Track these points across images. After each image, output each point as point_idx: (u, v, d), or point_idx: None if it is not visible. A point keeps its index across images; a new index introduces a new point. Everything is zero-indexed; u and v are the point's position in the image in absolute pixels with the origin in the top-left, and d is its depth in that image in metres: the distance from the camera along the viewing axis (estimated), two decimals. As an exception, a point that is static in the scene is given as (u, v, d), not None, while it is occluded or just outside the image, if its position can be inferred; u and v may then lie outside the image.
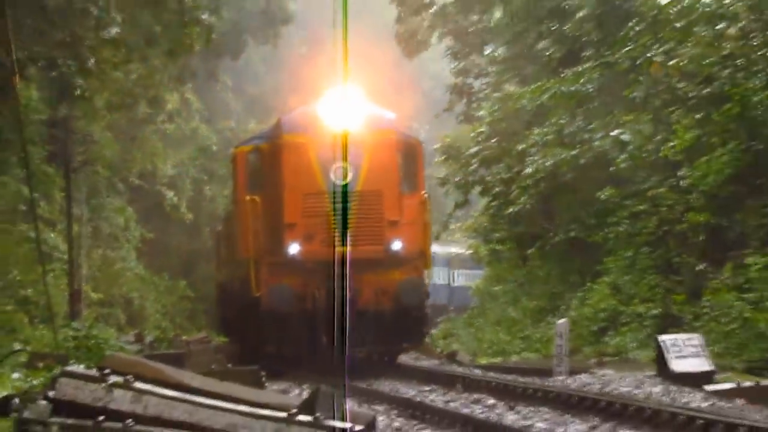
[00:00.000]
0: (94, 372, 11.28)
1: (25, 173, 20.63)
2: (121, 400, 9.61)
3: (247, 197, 17.80)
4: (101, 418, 9.02)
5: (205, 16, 24.61)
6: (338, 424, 9.77)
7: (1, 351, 18.11)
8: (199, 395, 10.94)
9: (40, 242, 21.57)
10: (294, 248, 16.94)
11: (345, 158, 16.99)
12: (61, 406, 9.50)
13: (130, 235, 36.19)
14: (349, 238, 16.74)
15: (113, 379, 10.39)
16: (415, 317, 18.05)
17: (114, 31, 18.75)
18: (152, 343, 26.40)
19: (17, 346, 18.42)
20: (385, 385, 17.11)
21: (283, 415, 9.74)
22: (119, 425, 8.87)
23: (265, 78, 47.31)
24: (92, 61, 19.29)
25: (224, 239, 30.77)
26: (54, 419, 9.19)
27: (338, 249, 16.27)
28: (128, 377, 10.71)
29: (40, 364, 15.82)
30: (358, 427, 10.10)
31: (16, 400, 11.03)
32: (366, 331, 16.96)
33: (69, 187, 27.93)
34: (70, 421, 9.15)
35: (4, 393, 12.87)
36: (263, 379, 16.11)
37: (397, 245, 17.72)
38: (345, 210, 17.31)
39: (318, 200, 17.41)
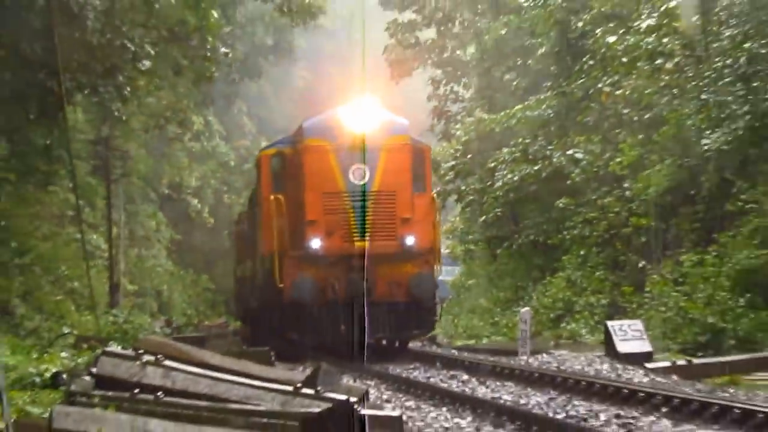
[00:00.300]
0: (130, 352, 11.38)
1: (72, 184, 21.13)
2: (152, 376, 9.76)
3: (271, 196, 17.16)
4: (136, 391, 8.94)
5: (222, 50, 24.92)
6: (337, 396, 9.86)
7: (52, 334, 18.52)
8: (219, 372, 11.10)
9: (85, 242, 21.76)
10: (315, 243, 16.31)
11: (362, 161, 16.67)
12: (101, 381, 9.50)
13: (161, 236, 36.60)
14: (365, 234, 16.60)
15: (146, 358, 10.51)
16: (426, 307, 17.56)
17: (147, 63, 18.73)
18: (179, 328, 27.16)
19: (65, 330, 18.56)
20: (376, 365, 16.80)
21: (290, 388, 9.86)
22: (151, 397, 8.78)
23: (275, 103, 47.92)
24: (129, 89, 19.27)
25: (241, 237, 30.29)
26: (96, 392, 9.08)
27: (356, 244, 16.52)
28: (159, 356, 10.87)
29: (84, 346, 15.98)
30: (353, 399, 10.19)
31: (65, 376, 11.94)
32: (381, 320, 16.56)
33: (109, 196, 28.34)
34: (109, 393, 8.98)
35: (55, 369, 13.02)
36: (273, 358, 15.46)
37: (410, 240, 17.04)
38: (362, 208, 16.72)
39: (337, 199, 16.80)
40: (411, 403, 13.02)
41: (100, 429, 7.74)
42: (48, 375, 12.52)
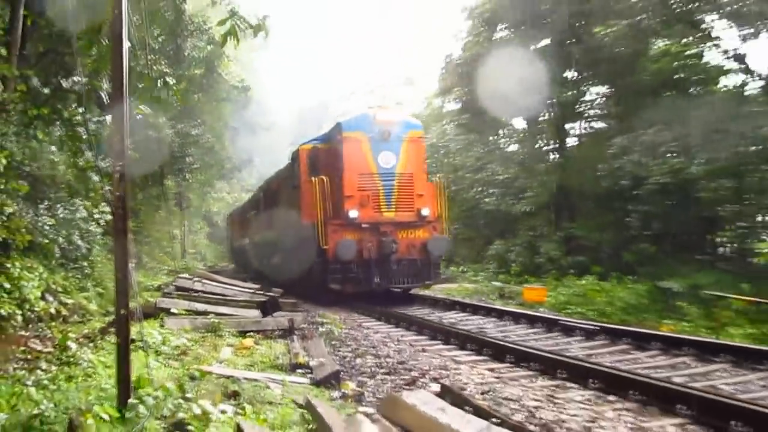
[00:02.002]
0: (189, 276, 19.04)
1: (167, 210, 30.72)
2: (197, 286, 16.13)
3: (315, 178, 17.61)
4: (190, 291, 15.62)
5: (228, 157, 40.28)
6: (272, 293, 16.16)
7: (161, 268, 26.19)
8: (223, 284, 18.61)
9: (172, 234, 32.46)
10: (353, 213, 17.01)
11: (390, 149, 17.93)
12: (178, 288, 15.91)
13: (201, 231, 50.99)
14: (391, 206, 17.78)
15: (195, 278, 18.28)
16: (435, 263, 18.17)
17: (195, 164, 30.88)
18: (210, 267, 36.92)
19: (164, 267, 25.93)
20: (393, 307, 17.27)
21: (253, 290, 17.81)
22: (196, 293, 15.31)
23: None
24: (188, 174, 31.52)
25: (243, 224, 34.09)
26: (175, 292, 15.33)
27: (384, 214, 17.67)
28: (199, 278, 18.51)
29: (171, 273, 23.03)
30: (277, 293, 16.68)
31: (163, 288, 17.79)
32: (402, 273, 17.56)
33: (181, 215, 39.39)
34: (179, 292, 15.24)
35: (158, 283, 19.54)
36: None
37: (425, 211, 17.79)
38: (389, 186, 17.81)
39: (370, 179, 17.58)
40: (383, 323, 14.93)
41: (176, 306, 13.48)
42: (156, 285, 19.03)
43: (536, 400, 6.85)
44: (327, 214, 17.33)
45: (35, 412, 6.00)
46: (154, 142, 18.85)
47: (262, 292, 17.22)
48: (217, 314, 13.45)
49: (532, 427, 5.79)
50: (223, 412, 6.40)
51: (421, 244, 17.78)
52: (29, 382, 7.21)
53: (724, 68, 25.31)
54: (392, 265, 17.48)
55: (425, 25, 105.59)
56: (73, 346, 9.11)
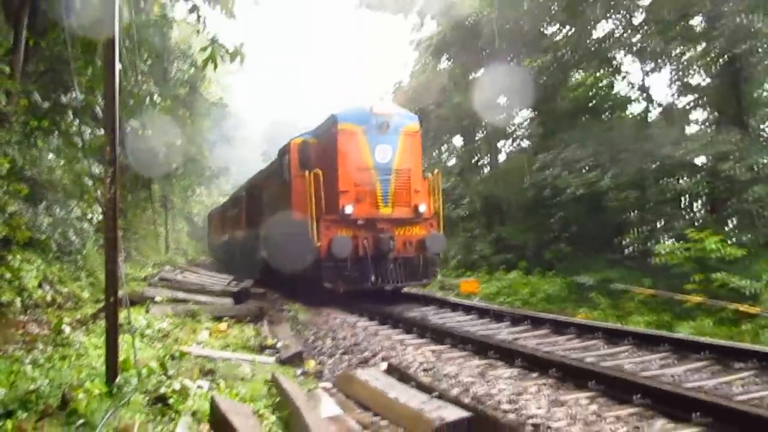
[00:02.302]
0: (172, 268, 19.21)
1: (153, 211, 29.88)
2: (178, 276, 16.39)
3: (308, 172, 14.77)
4: (173, 281, 15.67)
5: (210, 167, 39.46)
6: (244, 285, 17.28)
7: (147, 261, 24.82)
8: (201, 275, 18.75)
9: (157, 232, 31.69)
10: (348, 208, 14.43)
11: (387, 142, 15.10)
12: (162, 278, 16.00)
13: (183, 229, 49.20)
14: (388, 202, 15.07)
15: (177, 270, 18.34)
16: (432, 261, 15.51)
17: (179, 170, 30.03)
18: (190, 261, 35.90)
19: (150, 261, 24.98)
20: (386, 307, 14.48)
21: (227, 281, 17.86)
22: (176, 283, 15.34)
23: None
24: (174, 180, 31.28)
25: (223, 221, 31.55)
26: (159, 282, 15.45)
27: (381, 210, 14.98)
28: (180, 270, 18.63)
29: (156, 266, 22.27)
30: (249, 284, 16.68)
31: (148, 278, 17.37)
32: (398, 271, 14.86)
33: (166, 215, 38.36)
34: (163, 282, 15.36)
35: (145, 274, 18.67)
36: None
37: (422, 208, 15.20)
38: (386, 181, 15.05)
39: (366, 173, 14.83)
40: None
41: (160, 294, 13.39)
42: (142, 276, 18.41)
43: (471, 377, 6.89)
44: (320, 209, 14.59)
45: (31, 387, 5.91)
46: (142, 152, 18.53)
47: (235, 283, 17.16)
48: (196, 302, 13.36)
49: (467, 400, 5.80)
50: (200, 387, 6.36)
51: (418, 242, 15.21)
52: (26, 361, 7.10)
53: (631, 97, 25.93)
54: (389, 263, 14.76)
55: (382, 53, 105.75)
56: (66, 329, 9.01)
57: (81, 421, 5.14)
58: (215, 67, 10.23)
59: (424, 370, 7.40)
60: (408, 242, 15.11)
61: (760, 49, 20.00)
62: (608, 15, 24.12)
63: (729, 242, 15.87)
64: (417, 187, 15.46)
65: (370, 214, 14.81)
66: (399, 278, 14.92)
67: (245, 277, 19.60)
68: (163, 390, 5.93)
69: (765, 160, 18.24)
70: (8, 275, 10.53)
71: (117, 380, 6.03)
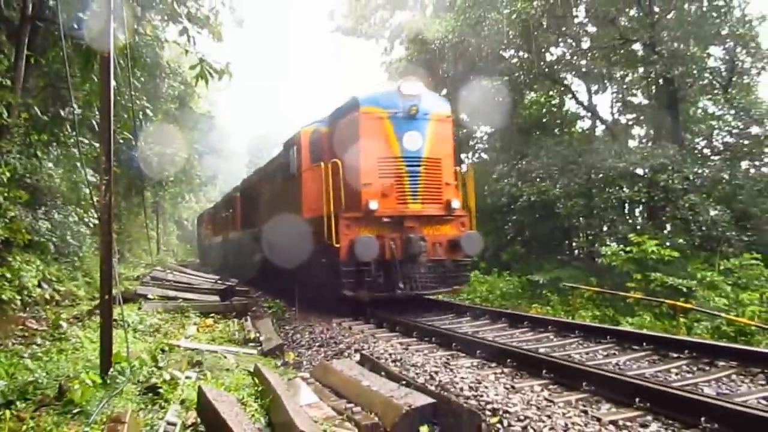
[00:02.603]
0: (162, 268, 18.96)
1: (146, 215, 28.61)
2: (169, 276, 16.04)
3: (325, 162, 11.80)
4: (163, 280, 15.45)
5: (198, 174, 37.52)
6: (229, 282, 17.40)
7: (139, 262, 25.17)
8: (189, 274, 18.54)
9: (149, 235, 30.36)
10: (373, 204, 11.38)
11: (416, 128, 12.02)
12: (153, 278, 15.69)
13: (173, 233, 48.22)
14: (417, 197, 11.95)
15: (167, 270, 18.11)
16: (464, 264, 12.40)
17: (171, 177, 28.86)
18: (179, 262, 34.94)
19: (142, 262, 25.00)
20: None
21: (214, 280, 17.68)
22: (167, 282, 15.09)
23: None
24: (165, 185, 29.67)
25: (217, 223, 28.60)
26: (150, 281, 15.21)
27: (409, 206, 11.87)
28: (170, 270, 18.44)
29: (148, 266, 21.41)
30: (233, 282, 16.42)
31: (141, 278, 17.21)
32: (427, 276, 11.81)
33: (158, 219, 37.87)
34: (154, 281, 15.17)
35: (137, 274, 18.73)
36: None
37: (455, 204, 12.17)
38: (415, 173, 11.91)
39: (392, 164, 11.82)
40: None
41: (152, 292, 13.30)
42: (135, 275, 18.35)
43: (436, 367, 6.90)
44: (339, 206, 11.56)
45: (30, 379, 5.86)
46: (136, 160, 18.30)
47: (221, 282, 17.01)
48: (185, 299, 13.23)
49: (432, 388, 5.80)
50: (188, 377, 6.31)
51: (448, 242, 12.10)
52: (25, 355, 7.02)
53: (579, 114, 26.25)
54: (420, 267, 11.61)
55: (356, 73, 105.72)
56: (64, 325, 8.91)
57: (77, 410, 5.09)
58: (207, 83, 10.16)
59: (394, 360, 7.38)
60: (438, 243, 12.02)
61: (694, 71, 20.41)
62: (559, 41, 24.44)
63: (666, 245, 16.11)
64: (448, 179, 12.39)
65: (397, 211, 11.73)
66: (429, 284, 11.80)
67: (241, 280, 18.34)
68: (153, 380, 5.88)
69: (699, 171, 18.59)
70: (9, 275, 10.39)
71: (111, 372, 5.97)
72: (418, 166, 11.93)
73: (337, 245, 11.14)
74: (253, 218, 18.61)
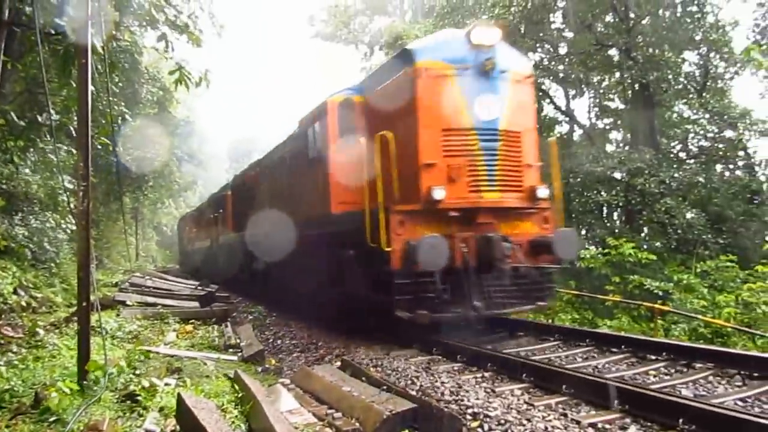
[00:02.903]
0: (141, 275, 18.80)
1: (124, 221, 27.47)
2: (148, 282, 16.09)
3: (378, 134, 8.51)
4: (142, 287, 15.33)
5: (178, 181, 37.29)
6: (209, 288, 17.33)
7: (118, 268, 24.69)
8: (169, 281, 18.40)
9: (128, 241, 29.86)
10: (439, 193, 8.11)
11: (494, 90, 8.58)
12: (132, 284, 15.48)
13: (152, 239, 47.42)
14: (494, 183, 8.51)
15: (146, 276, 17.94)
16: (549, 272, 8.85)
17: (150, 182, 28.95)
18: (159, 268, 34.50)
19: (121, 268, 24.63)
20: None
21: (194, 286, 17.54)
22: (146, 288, 15.00)
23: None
24: (144, 192, 29.65)
25: (199, 223, 26.80)
26: (129, 287, 15.03)
27: (485, 195, 8.43)
28: (150, 276, 18.29)
29: (127, 273, 21.08)
30: (214, 288, 16.29)
31: (119, 284, 16.91)
32: (506, 290, 8.33)
33: (136, 225, 37.55)
34: (133, 287, 15.04)
35: (116, 280, 18.40)
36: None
37: (542, 192, 8.84)
38: (491, 150, 8.49)
39: (462, 138, 8.41)
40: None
41: (131, 299, 13.28)
42: (114, 282, 17.98)
43: (416, 371, 6.89)
44: (390, 196, 8.27)
45: (6, 387, 5.75)
46: (114, 166, 18.08)
47: (201, 288, 16.88)
48: (164, 305, 13.12)
49: (413, 392, 5.80)
50: (167, 384, 6.24)
51: (530, 243, 8.84)
52: (1, 363, 6.86)
53: (558, 119, 26.48)
54: (501, 276, 8.28)
55: (337, 77, 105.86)
56: (41, 332, 8.77)
57: (53, 418, 5.02)
58: (187, 88, 10.11)
59: (374, 366, 7.36)
60: (518, 244, 8.61)
61: (669, 76, 20.70)
62: (537, 46, 24.64)
63: (643, 248, 16.28)
64: (530, 159, 8.97)
65: (469, 202, 8.39)
66: (509, 301, 8.41)
67: (235, 290, 17.20)
68: (132, 388, 5.81)
69: (675, 175, 18.83)
70: (-16, 282, 10.22)
71: (88, 379, 5.87)
72: (496, 140, 8.56)
73: (388, 249, 7.86)
74: (250, 219, 15.74)
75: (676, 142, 23.06)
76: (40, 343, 8.23)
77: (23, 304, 11.40)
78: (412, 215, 8.19)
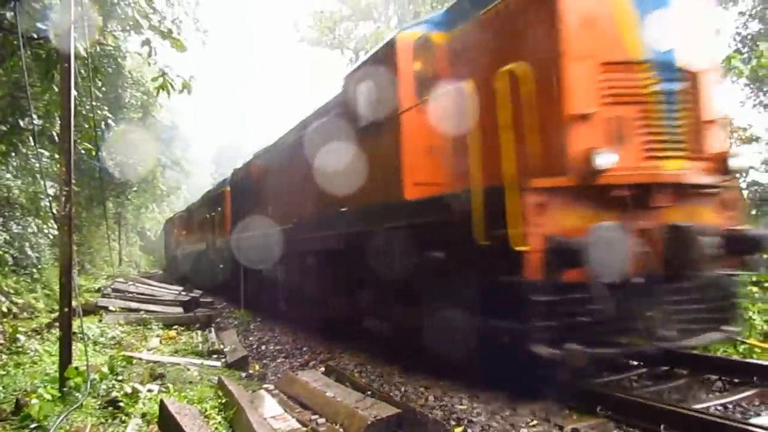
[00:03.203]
0: (124, 280, 18.63)
1: (107, 226, 27.06)
2: (131, 287, 16.21)
3: (503, 69, 5.09)
4: (125, 292, 15.26)
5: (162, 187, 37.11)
6: (193, 294, 17.16)
7: (101, 273, 24.32)
8: (152, 285, 18.23)
9: (111, 246, 29.47)
10: (606, 158, 4.65)
11: (665, 5, 5.13)
12: (114, 290, 15.30)
13: (135, 243, 46.49)
14: (678, 145, 5.19)
15: (130, 282, 17.79)
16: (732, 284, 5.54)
17: (134, 188, 28.79)
18: (142, 273, 33.77)
19: (104, 273, 24.25)
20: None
21: (177, 291, 17.41)
22: (129, 294, 14.86)
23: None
24: (128, 197, 29.77)
25: (188, 224, 25.55)
26: (112, 293, 14.78)
27: (665, 162, 5.14)
28: (133, 281, 18.12)
29: (110, 278, 20.60)
30: (197, 294, 16.00)
31: (102, 289, 16.63)
32: (696, 309, 5.28)
33: (120, 231, 36.52)
34: (116, 293, 15.01)
35: (99, 286, 18.17)
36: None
37: (736, 162, 5.28)
38: (671, 96, 5.11)
39: (629, 77, 5.00)
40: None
41: (113, 304, 13.12)
42: (96, 287, 17.76)
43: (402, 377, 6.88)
44: (522, 164, 5.01)
45: (-15, 395, 5.62)
46: (97, 171, 17.93)
47: (185, 293, 16.75)
48: (147, 311, 13.04)
49: (397, 398, 5.79)
50: (150, 390, 6.19)
51: (729, 240, 5.22)
52: (-19, 370, 6.73)
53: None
54: (694, 290, 5.28)
55: (322, 82, 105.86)
56: (22, 338, 8.67)
57: (34, 424, 5.01)
58: (169, 94, 10.08)
59: (359, 372, 7.34)
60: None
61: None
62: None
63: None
64: (711, 114, 5.58)
65: (645, 174, 5.17)
66: (691, 326, 5.49)
67: (235, 301, 15.25)
68: (114, 394, 5.76)
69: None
70: (-36, 288, 10.11)
71: (70, 385, 5.81)
72: (675, 82, 5.39)
73: (521, 248, 4.89)
74: (256, 218, 13.21)
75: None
76: (21, 349, 8.16)
77: (4, 309, 11.35)
78: (557, 194, 5.01)
